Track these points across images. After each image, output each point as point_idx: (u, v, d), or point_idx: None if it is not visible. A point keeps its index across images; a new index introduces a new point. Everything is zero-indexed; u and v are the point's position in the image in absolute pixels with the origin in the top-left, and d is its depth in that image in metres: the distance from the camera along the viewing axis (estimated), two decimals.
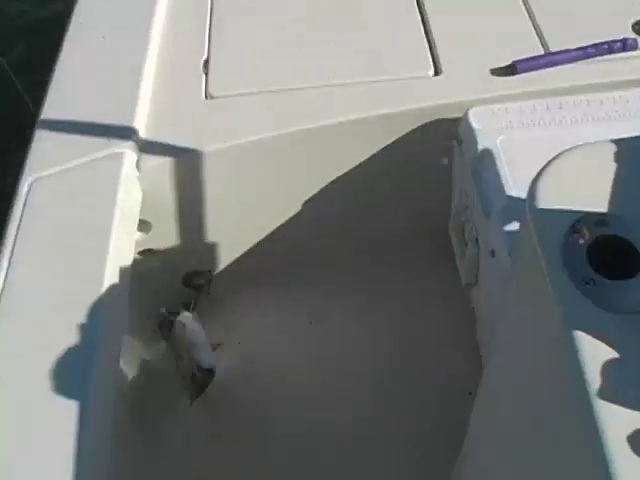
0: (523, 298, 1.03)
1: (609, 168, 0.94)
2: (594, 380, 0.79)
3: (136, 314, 1.86)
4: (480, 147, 1.67)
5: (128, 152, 1.72)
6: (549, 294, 0.87)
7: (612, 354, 0.80)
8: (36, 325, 1.43)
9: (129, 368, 1.78)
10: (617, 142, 0.97)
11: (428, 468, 1.74)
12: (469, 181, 1.69)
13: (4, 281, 1.50)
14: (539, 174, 0.96)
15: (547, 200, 0.92)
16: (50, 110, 1.81)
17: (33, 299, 1.48)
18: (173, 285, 2.03)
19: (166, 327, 2.00)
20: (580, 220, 0.89)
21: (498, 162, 1.62)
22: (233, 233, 1.99)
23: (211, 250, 2.01)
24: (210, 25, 2.04)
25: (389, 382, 1.91)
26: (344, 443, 1.83)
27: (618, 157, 0.95)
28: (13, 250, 1.55)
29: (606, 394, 0.78)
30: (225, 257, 2.05)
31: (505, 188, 1.56)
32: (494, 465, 1.32)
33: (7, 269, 1.52)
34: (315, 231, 2.00)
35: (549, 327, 0.88)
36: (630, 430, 0.76)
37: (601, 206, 0.91)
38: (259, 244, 2.02)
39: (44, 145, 1.75)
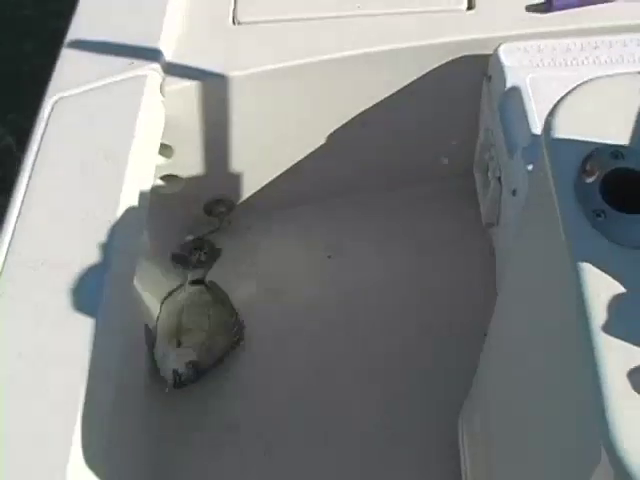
0: (536, 230, 1.02)
1: (629, 101, 0.92)
2: (598, 313, 0.77)
3: (156, 239, 1.87)
4: (509, 84, 1.63)
5: (152, 74, 1.71)
6: (559, 225, 0.85)
7: (619, 288, 0.79)
8: (52, 241, 1.44)
9: (143, 290, 1.79)
10: (638, 75, 0.94)
11: (440, 406, 1.74)
12: (495, 118, 1.65)
13: (23, 196, 1.51)
14: (557, 105, 0.93)
15: (563, 131, 0.90)
16: (76, 30, 1.80)
17: (50, 216, 1.48)
18: (194, 212, 2.03)
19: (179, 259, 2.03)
20: (595, 152, 0.87)
21: (526, 100, 1.59)
22: (256, 162, 1.97)
23: (233, 178, 2.00)
24: None
25: (405, 319, 1.90)
26: (358, 376, 1.83)
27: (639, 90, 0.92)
28: (33, 167, 1.55)
29: (609, 328, 0.76)
30: (247, 186, 2.04)
31: (531, 127, 1.53)
32: (499, 402, 1.31)
33: (27, 185, 1.53)
34: (338, 164, 1.98)
35: (558, 259, 0.86)
36: (630, 366, 0.74)
37: (618, 139, 0.88)
38: (281, 174, 2.00)
39: (69, 65, 1.74)
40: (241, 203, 2.06)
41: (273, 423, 1.80)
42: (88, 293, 1.37)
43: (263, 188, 2.03)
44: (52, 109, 1.66)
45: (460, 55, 1.76)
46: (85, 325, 1.32)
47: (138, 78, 1.70)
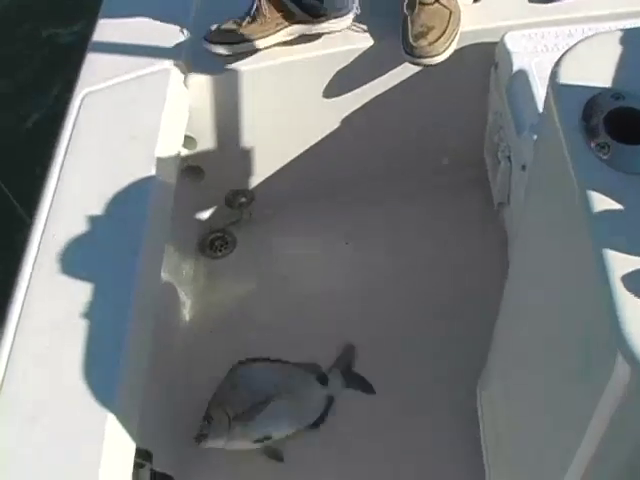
0: (544, 173, 1.09)
1: (627, 52, 1.00)
2: (603, 230, 0.85)
3: (177, 229, 1.94)
4: (515, 68, 1.72)
5: (175, 69, 1.80)
6: (567, 162, 0.93)
7: (619, 207, 0.87)
8: (83, 222, 1.52)
9: (168, 277, 1.86)
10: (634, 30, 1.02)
11: (459, 376, 1.81)
12: (504, 101, 1.74)
13: (57, 182, 1.59)
14: (562, 56, 1.01)
15: (568, 77, 0.98)
16: (102, 28, 1.90)
17: (80, 203, 1.56)
18: (216, 203, 2.11)
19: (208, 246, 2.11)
20: (598, 94, 0.95)
21: (532, 82, 1.67)
22: (275, 153, 2.07)
23: (253, 170, 2.08)
24: None
25: (423, 297, 1.98)
26: (376, 352, 1.91)
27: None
28: (65, 158, 1.64)
29: (608, 242, 0.84)
30: (266, 178, 2.12)
31: (538, 106, 1.61)
32: (515, 356, 1.38)
33: (59, 175, 1.61)
34: (353, 153, 2.07)
35: (567, 192, 0.94)
36: (625, 272, 0.82)
37: (619, 84, 0.96)
38: (300, 165, 2.08)
39: (96, 61, 1.84)
40: (261, 194, 2.14)
41: None
42: (119, 274, 1.45)
43: (282, 179, 2.11)
44: (81, 103, 1.75)
45: (468, 44, 1.84)
46: (117, 303, 1.40)
47: (162, 72, 1.79)
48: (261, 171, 2.10)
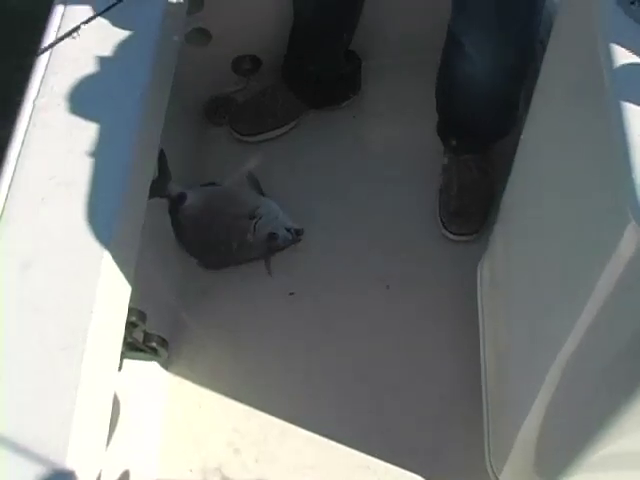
0: (570, 29, 1.04)
1: None
2: (622, 83, 0.81)
3: (183, 93, 1.88)
4: None
5: None
6: (594, 16, 0.88)
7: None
8: (79, 79, 1.45)
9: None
10: None
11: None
12: None
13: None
14: None
15: None
16: None
17: (79, 59, 1.48)
18: (222, 69, 2.05)
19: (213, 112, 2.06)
20: None
21: None
22: (284, 17, 1.97)
23: (262, 36, 2.01)
24: None
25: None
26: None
27: None
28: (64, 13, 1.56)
29: (630, 96, 0.80)
30: (275, 45, 2.03)
31: None
32: (524, 219, 1.35)
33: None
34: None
35: (590, 47, 0.89)
36: None
37: None
38: None
39: None
40: (268, 62, 2.07)
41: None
42: (118, 130, 1.39)
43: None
44: None
45: None
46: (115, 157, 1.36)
47: None
48: (270, 37, 2.01)
